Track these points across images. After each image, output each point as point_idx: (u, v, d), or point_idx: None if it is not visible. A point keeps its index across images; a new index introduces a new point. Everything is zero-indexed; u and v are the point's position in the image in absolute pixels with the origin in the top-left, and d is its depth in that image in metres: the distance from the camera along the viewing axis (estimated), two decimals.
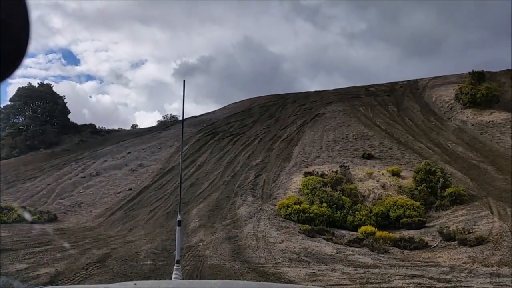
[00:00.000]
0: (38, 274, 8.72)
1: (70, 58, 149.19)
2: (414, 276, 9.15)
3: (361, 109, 36.76)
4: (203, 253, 12.18)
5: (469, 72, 33.43)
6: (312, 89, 53.98)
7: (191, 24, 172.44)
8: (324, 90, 49.95)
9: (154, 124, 53.93)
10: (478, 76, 31.83)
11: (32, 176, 28.26)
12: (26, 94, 44.76)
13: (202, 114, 49.71)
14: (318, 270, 9.93)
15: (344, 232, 15.40)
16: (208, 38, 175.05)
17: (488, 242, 12.23)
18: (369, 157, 24.42)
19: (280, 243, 13.32)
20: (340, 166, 22.32)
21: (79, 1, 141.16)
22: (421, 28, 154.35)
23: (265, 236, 14.18)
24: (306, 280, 8.84)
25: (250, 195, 19.68)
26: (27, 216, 17.91)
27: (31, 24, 1.06)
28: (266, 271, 9.87)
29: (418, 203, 16.96)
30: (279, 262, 10.98)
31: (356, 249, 12.67)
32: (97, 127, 49.18)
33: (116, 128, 52.94)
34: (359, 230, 14.91)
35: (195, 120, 45.87)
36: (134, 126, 57.96)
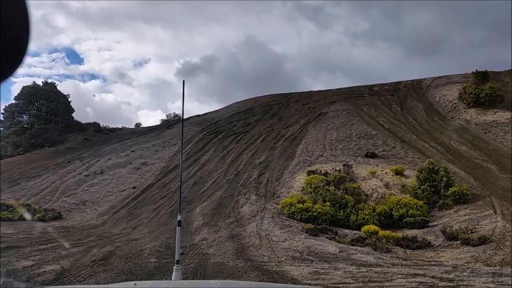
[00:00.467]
0: (44, 271, 8.82)
1: (74, 57, 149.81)
2: (417, 275, 9.19)
3: (365, 108, 36.74)
4: (206, 251, 12.26)
5: (473, 72, 33.34)
6: (315, 89, 54.01)
7: (194, 23, 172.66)
8: (327, 90, 49.95)
9: (158, 123, 54.19)
10: (482, 76, 31.75)
11: (37, 174, 28.45)
12: (30, 93, 45.03)
13: (205, 113, 49.83)
14: (321, 269, 9.98)
15: (347, 231, 15.44)
16: (211, 38, 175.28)
17: (491, 242, 12.23)
18: (373, 156, 24.42)
19: (283, 241, 13.38)
20: (344, 165, 22.33)
21: (83, 0, 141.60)
22: (424, 28, 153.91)
23: (268, 234, 14.24)
24: (309, 278, 8.90)
25: (253, 194, 19.74)
26: (27, 215, 18.00)
27: (31, 23, 1.06)
28: (269, 269, 9.93)
29: (421, 202, 16.97)
30: (282, 261, 11.05)
31: (359, 248, 12.71)
32: (101, 125, 49.46)
33: (120, 126, 53.23)
34: (362, 229, 14.94)
35: (198, 119, 46.00)
36: (137, 124, 58.27)
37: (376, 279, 8.68)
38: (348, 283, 8.35)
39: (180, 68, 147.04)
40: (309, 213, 16.29)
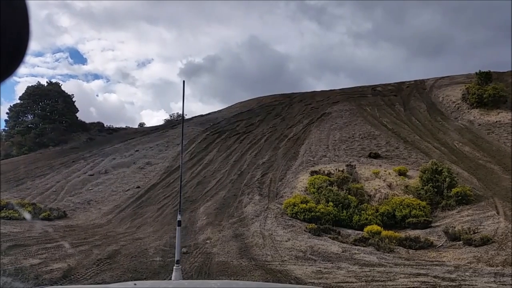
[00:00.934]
0: (51, 269, 8.96)
1: (77, 57, 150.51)
2: (419, 274, 9.27)
3: (368, 108, 36.78)
4: (210, 251, 12.38)
5: (476, 73, 33.34)
6: (318, 89, 54.08)
7: (197, 23, 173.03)
8: (331, 90, 49.99)
9: (161, 122, 54.38)
10: (485, 77, 31.76)
11: (42, 174, 28.66)
12: (35, 93, 45.32)
13: (209, 113, 49.98)
14: (324, 268, 10.08)
15: (350, 231, 15.52)
16: (214, 38, 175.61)
17: (493, 242, 12.29)
18: (376, 156, 24.49)
19: (286, 241, 13.48)
20: (347, 165, 22.40)
21: (86, 0, 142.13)
22: (427, 28, 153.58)
23: (272, 234, 14.34)
24: (313, 277, 9.00)
25: (256, 194, 19.85)
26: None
27: (31, 23, 1.05)
28: (273, 268, 10.04)
29: (424, 203, 17.02)
30: (285, 260, 11.15)
31: (362, 248, 12.79)
32: (104, 125, 49.70)
33: (124, 126, 53.45)
34: (365, 229, 15.02)
35: (201, 119, 46.16)
36: (141, 124, 58.46)
37: (378, 279, 8.76)
38: (351, 282, 8.44)
39: (183, 68, 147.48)
40: (312, 213, 16.38)
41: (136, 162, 30.17)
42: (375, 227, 14.76)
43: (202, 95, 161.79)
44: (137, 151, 33.64)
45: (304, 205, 16.81)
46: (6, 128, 46.80)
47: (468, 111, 31.35)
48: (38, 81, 48.30)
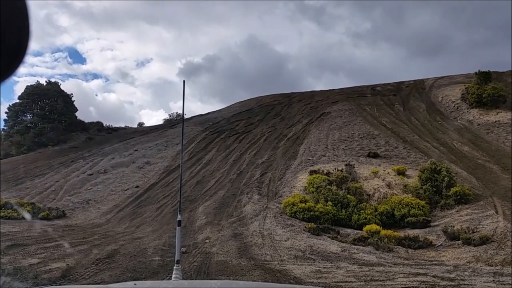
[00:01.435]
0: (50, 269, 8.95)
1: (76, 56, 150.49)
2: (418, 274, 9.28)
3: (367, 108, 36.79)
4: (209, 250, 12.37)
5: (475, 72, 33.36)
6: (318, 89, 54.14)
7: (196, 23, 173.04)
8: (330, 89, 50.00)
9: (160, 122, 54.45)
10: (484, 76, 31.78)
11: (41, 173, 28.63)
12: (34, 92, 45.28)
13: (208, 113, 49.97)
14: (323, 268, 10.08)
15: (349, 230, 15.52)
16: (213, 38, 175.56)
17: (492, 242, 12.30)
18: (375, 156, 24.49)
19: (285, 241, 13.48)
20: (346, 165, 22.40)
21: (86, 0, 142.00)
22: (426, 28, 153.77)
23: (271, 234, 14.34)
24: (312, 277, 8.99)
25: (256, 193, 19.85)
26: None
27: (31, 23, 1.05)
28: (272, 268, 10.03)
29: (423, 202, 17.03)
30: (284, 260, 11.15)
31: (361, 247, 12.79)
32: (104, 124, 49.67)
33: (123, 126, 53.45)
34: (364, 228, 15.02)
35: (200, 118, 46.15)
36: (140, 124, 58.50)
37: (378, 278, 8.77)
38: (350, 281, 8.44)
39: (183, 68, 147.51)
40: (311, 213, 16.38)
41: (135, 162, 30.15)
42: (374, 227, 14.76)
43: (201, 94, 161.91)
44: (136, 150, 33.61)
45: (303, 204, 16.81)
46: (5, 128, 46.81)
47: (467, 111, 31.37)
48: (37, 81, 48.29)
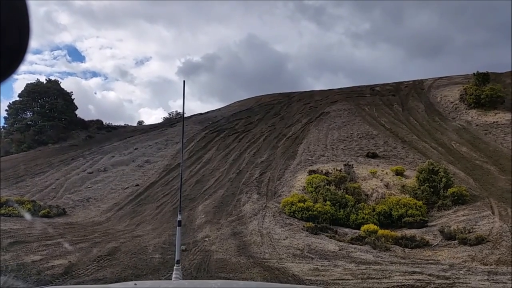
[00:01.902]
0: (52, 265, 9.10)
1: (75, 54, 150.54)
2: (414, 272, 9.44)
3: (366, 108, 36.95)
4: (209, 248, 12.53)
5: (474, 73, 33.53)
6: (317, 88, 54.31)
7: (196, 22, 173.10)
8: (329, 89, 50.16)
9: (159, 121, 54.57)
10: (483, 77, 31.97)
11: (41, 171, 28.77)
12: (34, 90, 45.37)
13: (207, 112, 50.11)
14: (321, 266, 10.24)
15: (347, 230, 15.69)
16: (213, 37, 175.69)
17: (488, 242, 12.47)
18: (373, 156, 24.65)
19: (284, 239, 13.64)
20: (344, 165, 22.56)
21: None
22: (425, 29, 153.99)
23: (270, 232, 14.50)
24: (310, 275, 9.15)
25: (255, 193, 20.01)
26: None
27: (31, 22, 1.06)
28: (271, 266, 10.19)
29: (420, 203, 17.20)
30: (283, 258, 11.31)
31: (358, 246, 12.96)
32: (103, 123, 49.78)
33: (123, 124, 53.58)
34: (362, 228, 15.19)
35: (200, 117, 46.29)
36: (140, 122, 58.64)
37: (374, 276, 8.93)
38: (347, 279, 8.60)
39: (182, 66, 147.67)
40: (310, 212, 16.55)
41: (135, 160, 30.30)
42: (372, 226, 14.93)
43: (201, 93, 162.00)
44: (136, 149, 33.75)
45: (302, 204, 16.97)
46: (5, 126, 46.91)
47: (465, 112, 31.55)
48: (37, 79, 48.39)
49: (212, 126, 39.39)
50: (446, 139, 26.97)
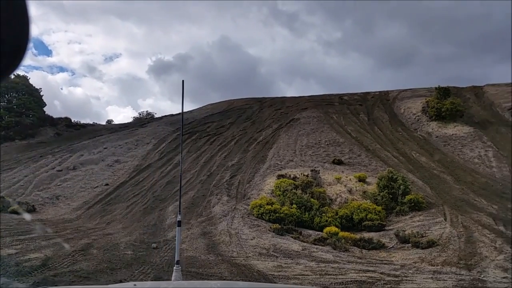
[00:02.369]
0: (29, 258, 9.45)
1: (42, 48, 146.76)
2: (368, 271, 10.38)
3: (334, 116, 38.33)
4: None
5: (436, 87, 35.52)
6: (289, 94, 55.74)
7: (168, 21, 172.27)
8: (300, 96, 51.50)
9: (128, 119, 54.41)
10: (444, 92, 33.94)
11: (9, 167, 28.32)
12: (1, 85, 44.23)
13: (179, 113, 50.24)
14: (284, 264, 11.04)
15: (310, 231, 16.58)
16: (185, 36, 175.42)
17: (438, 245, 13.63)
18: (339, 162, 25.81)
19: (251, 239, 14.36)
20: (311, 170, 23.57)
21: None
22: (394, 40, 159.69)
23: (238, 233, 15.19)
24: (273, 271, 9.92)
25: (225, 195, 20.65)
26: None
27: (31, 22, 1.07)
28: (238, 263, 10.90)
29: (379, 208, 18.34)
30: (249, 256, 12.03)
31: (320, 247, 13.85)
32: (72, 120, 49.10)
33: (91, 122, 52.98)
34: (324, 230, 16.11)
35: (172, 118, 46.50)
36: (109, 121, 58.00)
37: (331, 273, 9.80)
38: (306, 275, 9.42)
39: (152, 65, 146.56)
40: (277, 214, 17.36)
41: (105, 160, 30.28)
42: (334, 229, 15.88)
43: (171, 93, 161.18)
44: (105, 148, 33.67)
45: (270, 206, 17.76)
46: None
47: (427, 123, 33.37)
48: None
49: (184, 127, 39.72)
50: (407, 149, 28.52)
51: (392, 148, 28.81)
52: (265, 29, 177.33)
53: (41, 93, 47.11)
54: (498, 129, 31.00)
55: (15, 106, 43.84)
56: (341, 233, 15.24)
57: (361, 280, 9.06)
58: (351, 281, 9.00)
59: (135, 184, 24.51)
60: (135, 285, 2.66)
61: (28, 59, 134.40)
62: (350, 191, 21.14)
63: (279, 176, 22.55)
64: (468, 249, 12.91)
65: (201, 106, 54.55)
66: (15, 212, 18.26)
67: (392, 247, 14.38)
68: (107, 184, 24.94)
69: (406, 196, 18.92)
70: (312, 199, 19.01)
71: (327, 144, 29.91)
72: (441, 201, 19.35)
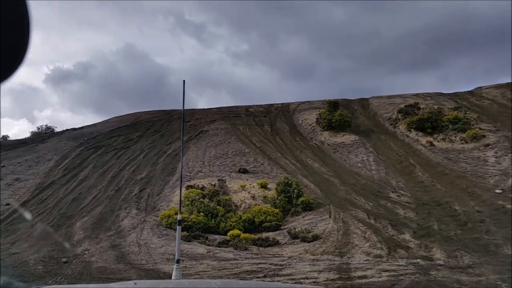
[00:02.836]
0: None
1: None
2: (260, 263, 12.32)
3: (241, 128, 40.69)
4: (89, 259, 13.82)
5: (327, 101, 39.79)
6: (200, 104, 57.32)
7: (66, 27, 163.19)
8: (209, 108, 53.25)
9: (24, 132, 51.26)
10: (333, 105, 38.21)
11: None
12: None
13: (83, 127, 48.79)
14: (189, 265, 12.51)
15: (216, 236, 18.21)
16: (86, 44, 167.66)
17: (320, 239, 16.17)
18: (244, 171, 27.95)
19: (160, 247, 15.56)
20: (218, 180, 25.31)
21: None
22: (297, 54, 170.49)
23: (147, 243, 16.26)
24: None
25: (134, 208, 21.40)
26: None
27: (31, 23, 1.08)
28: (146, 268, 12.11)
29: (277, 210, 20.68)
30: (157, 262, 13.28)
31: (223, 248, 15.57)
32: None
33: None
34: (228, 234, 17.91)
35: (74, 133, 45.00)
36: (5, 137, 53.95)
37: (229, 267, 11.53)
38: (207, 271, 11.02)
39: (50, 74, 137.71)
40: (185, 223, 18.67)
41: (4, 179, 28.80)
42: (236, 231, 17.74)
43: (72, 104, 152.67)
44: (3, 166, 31.86)
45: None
46: None
47: (320, 133, 37.21)
48: None
49: (88, 142, 38.92)
50: (303, 156, 31.73)
51: (291, 156, 31.80)
52: (172, 39, 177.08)
53: None
54: (379, 136, 35.82)
55: None
56: (243, 235, 17.14)
57: (252, 270, 10.92)
58: (243, 271, 10.82)
59: (38, 203, 23.97)
60: (135, 283, 2.69)
61: None
62: (253, 197, 23.27)
63: (188, 187, 23.88)
64: (344, 240, 15.62)
65: (106, 118, 53.41)
66: None
67: (285, 243, 16.64)
68: (7, 204, 23.98)
69: (300, 199, 21.55)
70: (218, 207, 20.71)
71: (234, 155, 31.94)
72: (328, 201, 22.28)
